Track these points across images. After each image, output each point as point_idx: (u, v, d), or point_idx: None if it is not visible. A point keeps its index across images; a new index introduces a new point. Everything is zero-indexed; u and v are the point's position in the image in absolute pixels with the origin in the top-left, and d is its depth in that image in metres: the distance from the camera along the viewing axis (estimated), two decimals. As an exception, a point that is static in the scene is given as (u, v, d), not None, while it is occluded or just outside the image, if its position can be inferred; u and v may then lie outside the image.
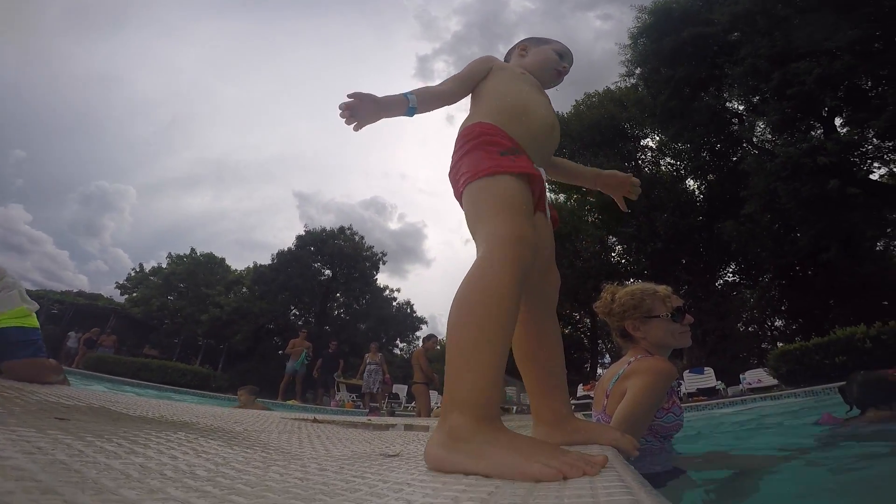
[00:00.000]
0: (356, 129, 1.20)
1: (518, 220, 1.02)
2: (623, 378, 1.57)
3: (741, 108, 13.92)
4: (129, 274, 26.36)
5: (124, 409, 1.66)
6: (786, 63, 10.48)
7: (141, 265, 26.68)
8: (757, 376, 9.86)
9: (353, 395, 13.63)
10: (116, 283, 26.21)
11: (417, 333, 29.47)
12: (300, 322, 24.54)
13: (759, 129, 13.31)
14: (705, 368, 10.92)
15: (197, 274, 25.27)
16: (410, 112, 1.26)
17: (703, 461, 1.81)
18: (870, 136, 10.29)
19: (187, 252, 26.61)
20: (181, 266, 25.36)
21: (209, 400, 9.71)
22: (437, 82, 1.44)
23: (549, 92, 1.57)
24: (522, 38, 1.74)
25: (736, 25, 12.00)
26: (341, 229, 27.90)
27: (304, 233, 26.90)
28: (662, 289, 1.74)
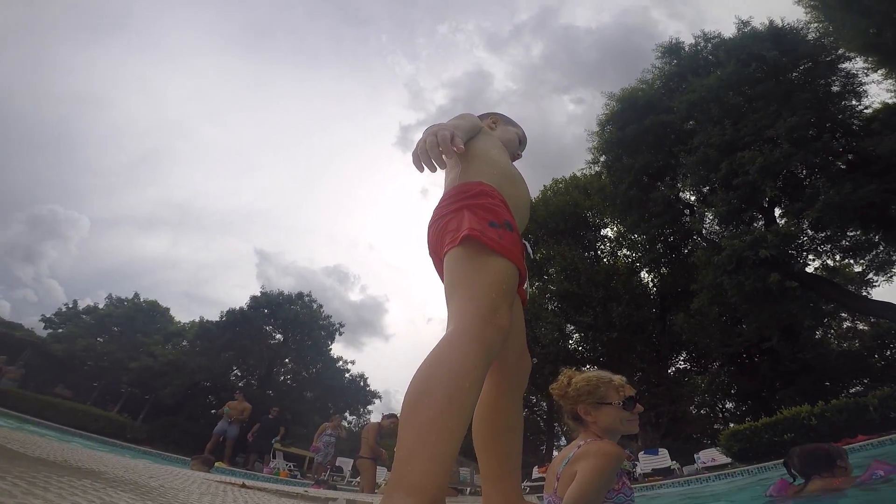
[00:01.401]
0: (442, 164, 1.09)
1: (497, 304, 0.99)
2: (573, 461, 1.63)
3: (692, 198, 14.68)
4: (60, 309, 24.27)
5: (21, 448, 1.44)
6: (733, 152, 11.21)
7: (75, 301, 24.76)
8: (711, 455, 9.99)
9: (291, 464, 13.21)
10: (42, 315, 23.88)
11: (369, 407, 28.63)
12: (240, 384, 23.01)
13: (707, 221, 13.88)
14: (660, 449, 11.04)
15: (136, 320, 23.61)
16: None
17: None
18: (804, 227, 11.16)
19: (130, 296, 25.01)
20: (121, 309, 23.68)
21: (121, 450, 8.84)
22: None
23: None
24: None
25: (692, 114, 12.78)
26: (300, 295, 27.37)
27: (259, 294, 26.17)
28: (618, 378, 1.84)
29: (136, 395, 22.23)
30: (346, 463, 13.46)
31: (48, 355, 20.61)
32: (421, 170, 1.07)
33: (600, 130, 15.17)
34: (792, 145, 10.47)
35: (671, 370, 20.86)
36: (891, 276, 11.93)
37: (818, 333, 19.07)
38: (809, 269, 12.36)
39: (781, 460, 2.84)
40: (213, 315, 25.48)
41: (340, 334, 28.28)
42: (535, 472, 12.74)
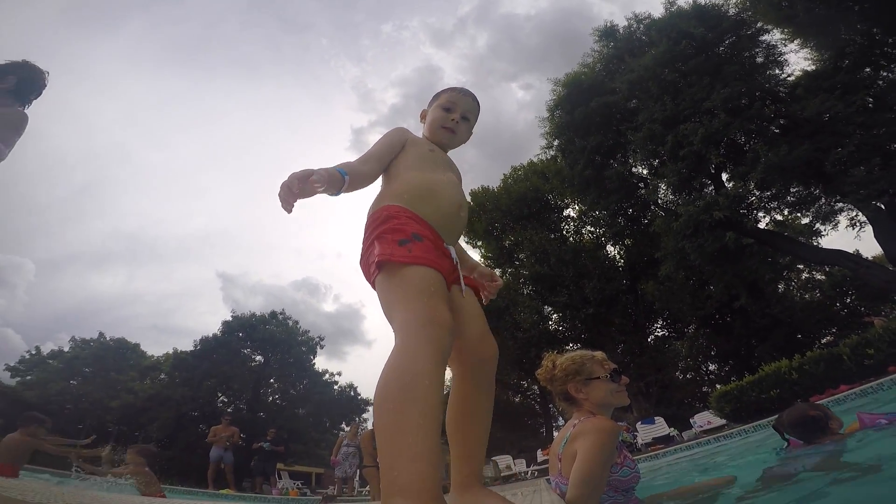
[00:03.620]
0: (289, 209, 1.08)
1: (428, 303, 1.05)
2: (571, 440, 1.65)
3: (645, 171, 15.11)
4: (23, 356, 23.77)
5: (20, 496, 1.37)
6: (676, 125, 11.69)
7: (38, 348, 24.22)
8: (706, 419, 10.13)
9: (299, 482, 13.21)
10: (7, 364, 23.35)
11: (364, 416, 28.39)
12: (229, 409, 22.74)
13: (661, 191, 14.35)
14: (656, 418, 11.19)
15: (106, 359, 23.16)
16: (337, 193, 1.18)
17: (672, 495, 1.90)
18: (751, 187, 11.59)
19: (94, 336, 24.39)
20: (87, 350, 23.08)
21: (129, 489, 8.60)
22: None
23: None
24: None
25: (633, 93, 13.27)
26: (273, 314, 27.25)
27: (230, 318, 25.87)
28: (599, 354, 1.88)
29: (124, 432, 21.93)
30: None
31: (21, 402, 19.93)
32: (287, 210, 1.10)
33: (550, 116, 15.48)
34: (728, 115, 10.95)
35: (651, 339, 21.43)
36: (836, 225, 12.49)
37: (781, 287, 19.96)
38: (761, 226, 12.90)
39: (773, 418, 2.71)
40: (186, 345, 25.06)
41: (322, 347, 28.31)
42: (540, 455, 12.77)
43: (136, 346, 25.89)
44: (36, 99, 2.21)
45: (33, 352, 23.88)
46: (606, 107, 14.00)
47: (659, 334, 22.01)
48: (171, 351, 24.73)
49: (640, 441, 10.42)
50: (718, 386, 13.33)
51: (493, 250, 22.00)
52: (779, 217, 13.34)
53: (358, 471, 9.67)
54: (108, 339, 24.63)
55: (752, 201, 11.97)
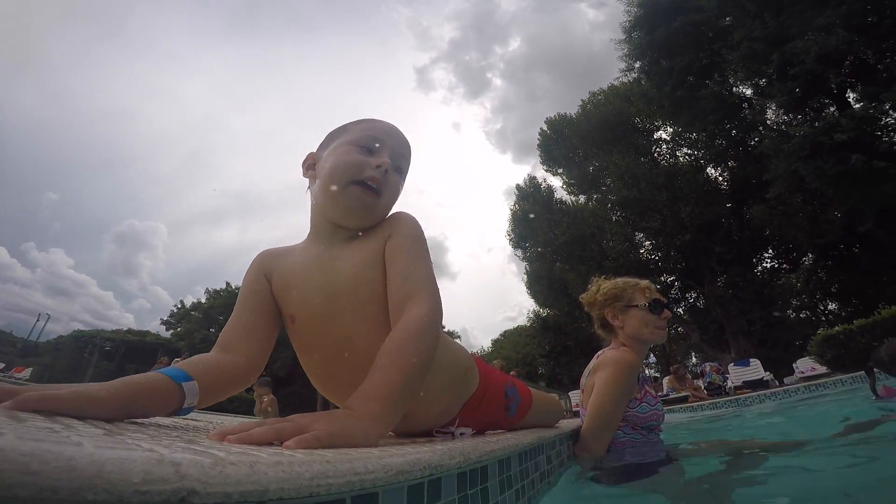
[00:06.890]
0: None
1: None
2: (593, 372, 1.62)
3: (748, 91, 13.73)
4: (172, 310, 28.11)
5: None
6: (782, 44, 10.38)
7: (182, 302, 28.40)
8: (810, 364, 9.13)
9: None
10: (161, 319, 28.01)
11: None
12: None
13: (771, 112, 13.03)
14: (751, 360, 10.23)
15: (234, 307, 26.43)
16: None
17: (704, 448, 1.74)
18: (886, 108, 9.91)
19: (223, 287, 27.94)
20: (219, 300, 26.64)
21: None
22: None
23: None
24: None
25: (725, 10, 11.98)
26: None
27: None
28: (644, 282, 1.78)
29: (255, 374, 25.72)
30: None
31: (176, 352, 24.08)
32: None
33: (627, 37, 14.39)
34: (850, 32, 9.38)
35: (758, 270, 19.37)
36: None
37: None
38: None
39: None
40: (302, 287, 27.90)
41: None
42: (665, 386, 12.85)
43: (258, 292, 29.08)
44: None
45: (179, 306, 28.02)
46: (694, 25, 12.72)
47: (768, 265, 19.72)
48: (290, 295, 27.91)
49: (730, 384, 9.56)
50: (837, 328, 11.91)
51: (575, 177, 21.44)
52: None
53: None
54: (234, 287, 27.42)
55: (888, 122, 9.95)
